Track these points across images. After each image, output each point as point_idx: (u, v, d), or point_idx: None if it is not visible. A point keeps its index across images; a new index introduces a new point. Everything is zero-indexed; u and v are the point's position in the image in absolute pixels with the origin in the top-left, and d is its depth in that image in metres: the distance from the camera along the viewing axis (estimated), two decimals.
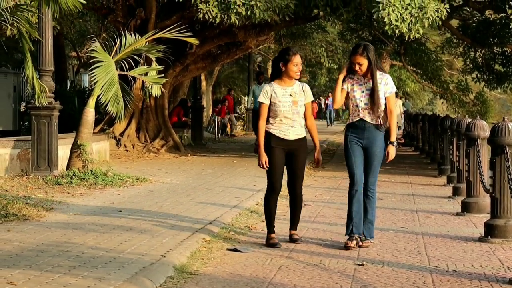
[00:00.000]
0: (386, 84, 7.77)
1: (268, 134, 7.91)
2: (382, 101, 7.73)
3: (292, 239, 8.06)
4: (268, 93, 7.88)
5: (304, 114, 7.94)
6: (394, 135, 7.83)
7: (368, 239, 7.86)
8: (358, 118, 7.78)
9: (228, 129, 31.46)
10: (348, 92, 7.82)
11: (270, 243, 7.88)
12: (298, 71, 7.90)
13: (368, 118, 7.74)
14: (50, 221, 8.77)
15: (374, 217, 7.96)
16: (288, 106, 7.83)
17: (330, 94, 50.36)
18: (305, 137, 7.98)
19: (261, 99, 7.91)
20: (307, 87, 8.00)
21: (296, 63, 7.85)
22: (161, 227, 8.43)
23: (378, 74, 7.75)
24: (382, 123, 7.76)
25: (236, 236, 8.34)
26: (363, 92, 7.77)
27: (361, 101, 7.75)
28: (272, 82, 7.95)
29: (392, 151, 7.78)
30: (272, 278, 6.43)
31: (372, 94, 7.69)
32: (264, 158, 7.84)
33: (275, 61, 8.00)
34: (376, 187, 7.93)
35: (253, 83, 26.81)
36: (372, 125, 7.74)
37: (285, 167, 8.03)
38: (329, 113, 49.71)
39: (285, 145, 7.88)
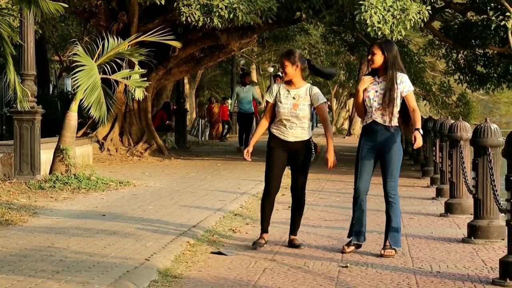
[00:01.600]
0: (401, 83, 7.46)
1: (270, 134, 7.93)
2: (398, 101, 7.45)
3: (292, 245, 7.93)
4: (273, 92, 7.90)
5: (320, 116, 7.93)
6: (419, 123, 7.40)
7: (393, 248, 7.50)
8: (371, 120, 7.53)
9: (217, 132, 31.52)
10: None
11: (254, 242, 7.90)
12: (283, 74, 7.84)
13: (380, 120, 7.47)
14: (33, 225, 8.73)
15: (399, 224, 7.62)
16: (288, 109, 7.77)
17: None
18: (308, 140, 7.82)
19: (266, 97, 7.97)
20: (314, 90, 7.85)
21: (281, 66, 7.86)
22: (145, 230, 8.41)
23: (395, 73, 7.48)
24: (397, 124, 7.48)
25: (220, 239, 8.33)
26: (376, 92, 7.50)
27: (375, 101, 7.48)
28: (282, 83, 7.96)
29: (418, 137, 7.29)
30: (257, 281, 6.42)
31: (385, 94, 7.43)
32: (248, 148, 7.89)
33: None
34: (397, 192, 7.66)
35: (237, 85, 26.69)
36: (384, 127, 7.46)
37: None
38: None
39: (285, 146, 7.83)
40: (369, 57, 7.59)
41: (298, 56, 7.82)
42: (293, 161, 7.91)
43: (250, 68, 50.83)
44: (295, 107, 7.76)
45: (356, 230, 7.66)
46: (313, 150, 7.94)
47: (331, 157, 7.87)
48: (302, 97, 7.79)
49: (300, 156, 7.86)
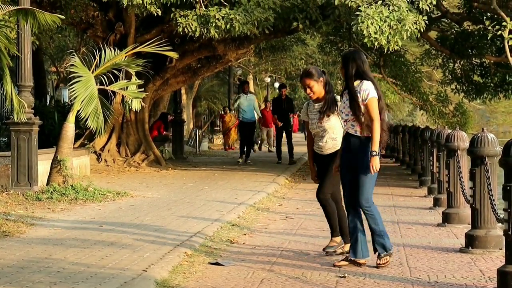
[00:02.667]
0: (362, 91, 7.27)
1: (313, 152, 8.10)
2: (361, 110, 7.27)
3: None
4: (305, 109, 8.11)
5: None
6: (376, 144, 7.22)
7: (386, 255, 7.45)
8: (345, 132, 7.48)
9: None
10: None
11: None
12: (310, 93, 7.88)
13: (352, 131, 7.35)
14: (31, 237, 8.72)
15: (383, 228, 7.48)
16: (315, 123, 7.91)
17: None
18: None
19: (302, 116, 8.22)
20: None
21: (304, 86, 7.93)
22: (142, 241, 8.40)
23: (357, 82, 7.35)
24: (367, 134, 7.30)
25: (218, 250, 8.32)
26: (344, 103, 7.41)
27: (343, 112, 7.42)
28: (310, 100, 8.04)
29: (373, 162, 7.21)
30: None
31: (349, 105, 7.33)
32: (313, 174, 8.15)
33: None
34: (372, 203, 7.44)
35: (234, 94, 26.64)
36: (356, 138, 7.34)
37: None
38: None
39: (321, 159, 8.03)
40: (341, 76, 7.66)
41: (317, 72, 7.91)
42: (323, 170, 8.01)
43: (247, 78, 50.91)
44: (321, 120, 7.87)
45: (352, 245, 7.51)
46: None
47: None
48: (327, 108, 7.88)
49: (329, 163, 7.89)
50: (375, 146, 7.23)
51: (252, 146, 22.25)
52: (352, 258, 7.49)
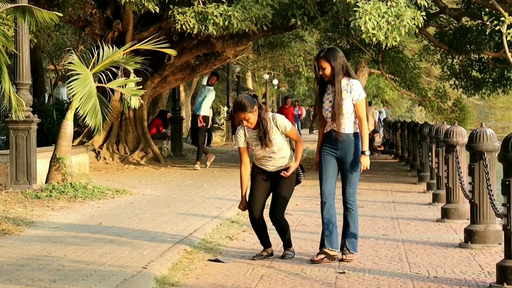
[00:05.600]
0: (352, 91, 7.35)
1: (253, 165, 7.79)
2: (346, 109, 7.32)
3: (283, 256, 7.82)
4: (241, 137, 7.66)
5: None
6: (366, 144, 7.41)
7: (352, 253, 7.54)
8: (329, 129, 7.48)
9: None
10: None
11: (257, 254, 7.81)
12: (248, 125, 7.56)
13: (337, 128, 7.38)
14: (30, 235, 8.72)
15: (357, 230, 7.57)
16: (259, 149, 7.60)
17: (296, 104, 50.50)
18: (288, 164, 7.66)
19: (237, 144, 7.75)
20: (278, 119, 7.57)
21: (240, 119, 7.56)
22: (141, 239, 8.41)
23: (344, 80, 7.39)
24: (356, 131, 7.40)
25: (217, 247, 8.33)
26: (330, 102, 7.42)
27: (328, 111, 7.42)
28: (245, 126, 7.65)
29: (364, 161, 7.39)
30: None
31: (334, 103, 7.34)
32: (242, 204, 7.77)
33: None
34: (356, 199, 7.59)
35: (232, 92, 26.26)
36: (342, 135, 7.37)
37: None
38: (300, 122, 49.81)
39: (267, 174, 7.72)
40: (320, 73, 7.42)
41: (250, 102, 7.50)
42: (274, 187, 7.73)
43: (245, 75, 50.92)
44: (270, 145, 7.54)
45: (328, 237, 7.49)
46: (300, 172, 7.84)
47: (293, 167, 7.66)
48: (271, 131, 7.55)
49: (282, 182, 7.68)
50: (365, 146, 7.42)
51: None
52: (329, 249, 7.44)
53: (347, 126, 7.40)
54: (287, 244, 7.86)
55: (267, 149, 7.56)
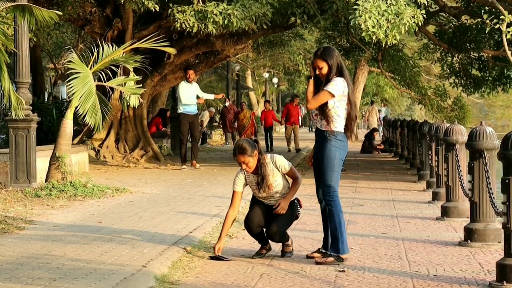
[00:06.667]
0: (330, 87, 7.28)
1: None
2: (327, 105, 7.29)
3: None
4: (241, 181, 7.67)
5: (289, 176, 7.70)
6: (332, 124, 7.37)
7: (330, 255, 7.40)
8: (315, 126, 7.55)
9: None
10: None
11: (256, 253, 7.80)
12: (246, 168, 7.56)
13: (319, 125, 7.42)
14: (30, 233, 8.72)
15: (338, 230, 7.39)
16: (261, 192, 7.64)
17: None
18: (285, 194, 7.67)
19: (234, 187, 7.69)
20: (278, 160, 7.61)
21: (239, 163, 7.57)
22: (141, 237, 8.41)
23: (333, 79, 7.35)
24: (336, 129, 7.32)
25: None
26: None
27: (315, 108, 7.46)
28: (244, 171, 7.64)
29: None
30: (254, 286, 6.42)
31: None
32: (219, 246, 7.60)
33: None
34: (335, 197, 7.43)
35: (232, 90, 26.18)
36: (321, 132, 7.41)
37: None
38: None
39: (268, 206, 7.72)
40: (317, 72, 7.39)
41: (251, 146, 7.51)
42: (272, 216, 7.67)
43: (245, 74, 50.93)
44: (271, 188, 7.59)
45: (324, 237, 7.54)
46: (297, 206, 7.82)
47: (283, 204, 7.62)
48: (271, 174, 7.57)
49: (282, 216, 7.65)
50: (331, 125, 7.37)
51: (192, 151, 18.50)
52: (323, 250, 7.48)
53: (331, 123, 7.34)
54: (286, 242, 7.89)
55: (270, 191, 7.62)
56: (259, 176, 7.57)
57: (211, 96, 20.37)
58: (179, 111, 18.07)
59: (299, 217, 8.01)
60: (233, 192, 7.71)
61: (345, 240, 7.41)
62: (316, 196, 7.67)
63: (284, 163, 7.64)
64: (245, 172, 7.65)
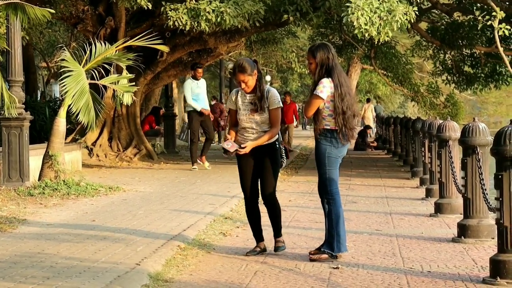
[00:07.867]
0: (318, 90, 7.25)
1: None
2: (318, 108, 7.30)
3: (276, 249, 7.76)
4: (233, 98, 7.66)
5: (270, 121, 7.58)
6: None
7: (323, 253, 7.38)
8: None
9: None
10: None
11: (251, 250, 7.77)
12: (245, 87, 7.51)
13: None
14: (23, 232, 8.71)
15: (334, 228, 7.35)
16: (246, 115, 7.56)
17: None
18: (272, 143, 7.58)
19: (228, 104, 7.72)
20: (271, 93, 7.57)
21: (238, 82, 7.53)
22: (135, 235, 8.40)
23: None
24: (329, 127, 7.27)
25: (211, 243, 8.32)
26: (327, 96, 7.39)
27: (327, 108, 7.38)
28: (241, 89, 7.61)
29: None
30: (248, 284, 6.42)
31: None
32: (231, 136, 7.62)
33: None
34: (333, 194, 7.46)
35: (225, 88, 26.12)
36: (314, 131, 7.47)
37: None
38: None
39: (250, 152, 7.55)
40: (309, 68, 7.43)
41: (250, 66, 7.48)
42: (259, 166, 7.62)
43: None
44: (253, 113, 7.54)
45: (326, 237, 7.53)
46: (283, 155, 7.75)
47: (249, 146, 7.50)
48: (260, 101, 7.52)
49: (266, 160, 7.58)
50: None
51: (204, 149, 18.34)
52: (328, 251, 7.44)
53: (322, 121, 7.34)
54: (277, 230, 7.77)
55: (254, 117, 7.50)
56: (257, 94, 7.50)
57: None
58: (188, 109, 17.93)
59: (284, 165, 7.86)
60: (229, 110, 7.70)
61: (342, 239, 7.36)
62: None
63: (275, 99, 7.54)
64: (239, 93, 7.61)
